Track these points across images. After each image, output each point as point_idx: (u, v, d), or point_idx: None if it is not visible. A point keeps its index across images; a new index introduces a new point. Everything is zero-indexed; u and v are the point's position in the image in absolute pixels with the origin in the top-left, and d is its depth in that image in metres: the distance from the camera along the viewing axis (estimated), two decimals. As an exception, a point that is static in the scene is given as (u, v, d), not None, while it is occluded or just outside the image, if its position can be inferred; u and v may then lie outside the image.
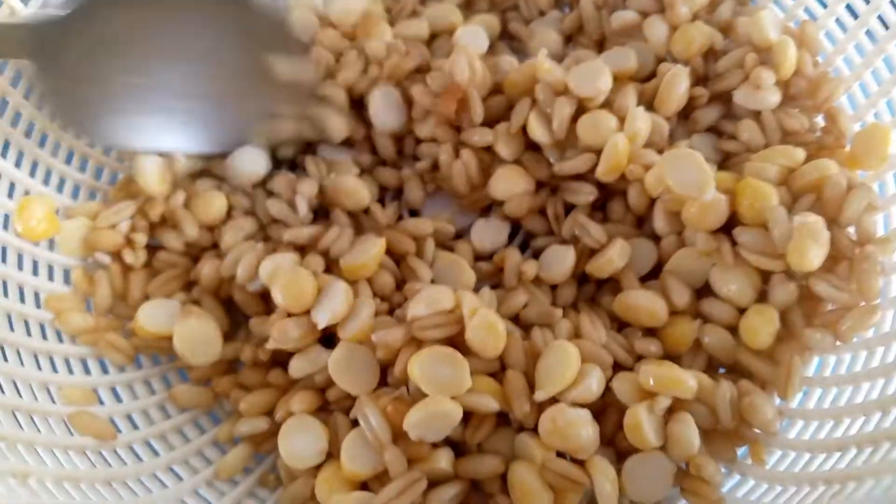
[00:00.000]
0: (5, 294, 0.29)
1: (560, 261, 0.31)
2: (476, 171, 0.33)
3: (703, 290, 0.30)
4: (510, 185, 0.32)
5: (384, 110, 0.34)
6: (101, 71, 0.29)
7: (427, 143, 0.34)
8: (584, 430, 0.25)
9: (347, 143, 0.35)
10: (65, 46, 0.28)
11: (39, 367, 0.28)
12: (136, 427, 0.29)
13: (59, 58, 0.28)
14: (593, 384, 0.26)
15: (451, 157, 0.33)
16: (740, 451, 0.28)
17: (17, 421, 0.25)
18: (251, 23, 0.32)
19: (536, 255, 0.32)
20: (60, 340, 0.30)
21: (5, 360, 0.27)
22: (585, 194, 0.32)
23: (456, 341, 0.27)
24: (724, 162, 0.33)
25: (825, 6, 0.33)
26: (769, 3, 0.35)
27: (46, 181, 0.33)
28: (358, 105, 0.35)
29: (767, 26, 0.32)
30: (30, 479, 0.23)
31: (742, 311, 0.29)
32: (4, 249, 0.30)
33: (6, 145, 0.31)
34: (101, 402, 0.29)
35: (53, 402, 0.27)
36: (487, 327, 0.26)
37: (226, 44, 0.32)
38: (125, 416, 0.29)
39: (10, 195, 0.31)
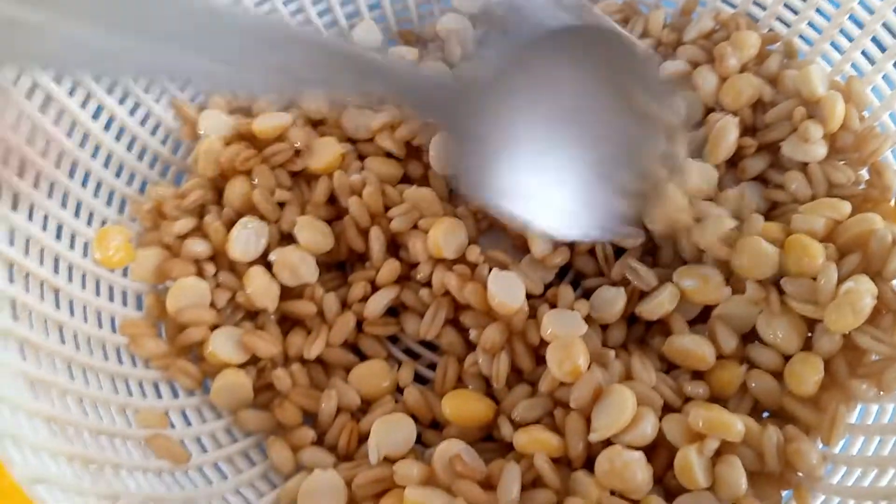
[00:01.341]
0: (85, 320, 0.31)
1: (611, 302, 0.32)
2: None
3: (750, 335, 0.31)
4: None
5: (443, 155, 0.35)
6: (505, 133, 0.27)
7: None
8: (640, 471, 0.27)
9: (406, 180, 0.37)
10: (476, 106, 0.26)
11: (117, 391, 0.30)
12: (205, 450, 0.30)
13: (468, 116, 0.26)
14: (648, 428, 0.27)
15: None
16: (785, 494, 0.29)
17: (101, 444, 0.27)
18: (629, 70, 0.28)
19: (587, 295, 0.34)
20: (134, 364, 0.31)
21: (87, 384, 0.28)
22: (634, 237, 0.33)
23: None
24: (771, 211, 0.34)
25: (873, 63, 0.34)
26: (817, 58, 0.37)
27: (121, 210, 0.35)
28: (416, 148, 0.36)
29: (815, 81, 0.34)
30: (119, 501, 0.24)
31: (788, 357, 0.30)
32: (84, 276, 0.32)
33: (86, 176, 0.33)
34: (173, 426, 0.30)
35: (130, 425, 0.29)
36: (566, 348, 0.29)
37: (612, 101, 0.28)
38: (195, 440, 0.31)
39: (89, 223, 0.33)
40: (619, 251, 0.34)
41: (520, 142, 0.27)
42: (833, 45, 0.36)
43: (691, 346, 0.30)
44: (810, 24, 0.37)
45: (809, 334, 0.31)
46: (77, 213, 0.33)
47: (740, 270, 0.30)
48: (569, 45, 0.26)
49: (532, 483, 0.28)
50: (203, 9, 0.18)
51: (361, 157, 0.36)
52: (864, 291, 0.28)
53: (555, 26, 0.26)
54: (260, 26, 0.20)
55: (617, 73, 0.28)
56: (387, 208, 0.34)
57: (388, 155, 0.37)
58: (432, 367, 0.34)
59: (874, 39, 0.34)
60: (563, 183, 0.29)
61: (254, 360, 0.32)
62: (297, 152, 0.35)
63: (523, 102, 0.27)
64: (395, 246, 0.35)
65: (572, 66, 0.27)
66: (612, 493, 0.27)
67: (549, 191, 0.29)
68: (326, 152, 0.35)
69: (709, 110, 0.36)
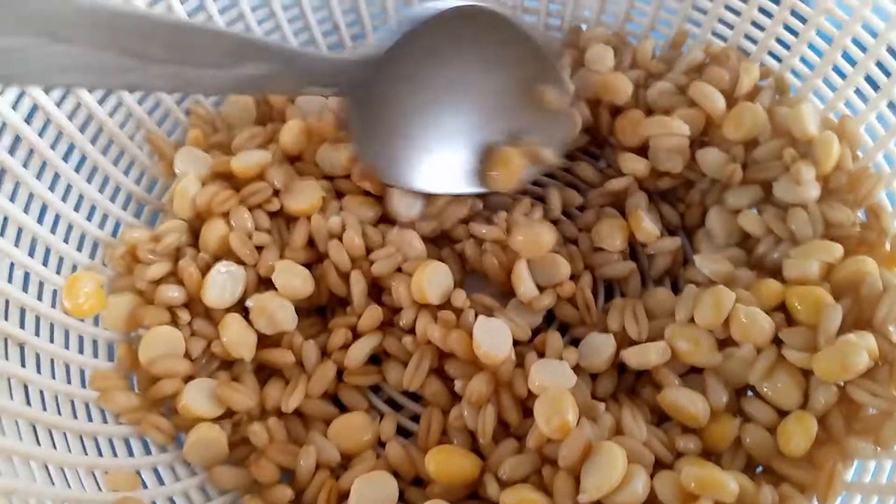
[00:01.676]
0: (53, 375, 0.29)
1: (599, 350, 0.31)
2: (505, 259, 0.33)
3: (745, 386, 0.30)
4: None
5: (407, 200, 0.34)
6: (402, 109, 0.32)
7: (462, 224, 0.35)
8: (630, 536, 0.25)
9: (385, 218, 0.36)
10: (375, 84, 0.31)
11: (85, 451, 0.28)
12: (177, 511, 0.29)
13: (369, 93, 0.31)
14: (639, 488, 0.26)
15: (477, 248, 0.34)
16: (780, 555, 0.28)
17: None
18: (521, 55, 0.33)
19: (575, 342, 0.33)
20: (105, 421, 0.30)
21: (54, 447, 0.27)
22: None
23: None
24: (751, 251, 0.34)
25: (867, 101, 0.34)
26: (809, 94, 0.36)
27: (93, 254, 0.33)
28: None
29: (808, 119, 0.33)
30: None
31: (785, 412, 0.29)
32: (52, 327, 0.30)
33: (56, 219, 0.32)
34: (145, 485, 0.29)
35: (100, 489, 0.27)
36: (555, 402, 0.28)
37: (499, 79, 0.33)
38: (167, 499, 0.29)
39: (58, 271, 0.32)
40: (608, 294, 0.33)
41: (410, 110, 0.32)
42: (826, 81, 0.35)
43: (684, 402, 0.29)
44: (802, 60, 0.36)
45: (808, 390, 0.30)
46: (46, 261, 0.31)
47: (737, 335, 0.29)
48: (452, 24, 0.31)
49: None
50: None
51: (339, 195, 0.35)
52: (860, 346, 0.27)
53: (439, 9, 0.30)
54: (160, 20, 0.24)
55: (496, 47, 0.32)
56: (369, 250, 0.33)
57: (367, 193, 0.35)
58: (416, 418, 0.33)
59: (868, 78, 0.33)
60: (444, 146, 0.33)
61: (229, 413, 0.31)
62: (276, 192, 0.34)
63: (412, 75, 0.31)
64: (377, 289, 0.34)
65: (455, 42, 0.31)
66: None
67: (432, 154, 0.33)
68: (307, 195, 0.34)
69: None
